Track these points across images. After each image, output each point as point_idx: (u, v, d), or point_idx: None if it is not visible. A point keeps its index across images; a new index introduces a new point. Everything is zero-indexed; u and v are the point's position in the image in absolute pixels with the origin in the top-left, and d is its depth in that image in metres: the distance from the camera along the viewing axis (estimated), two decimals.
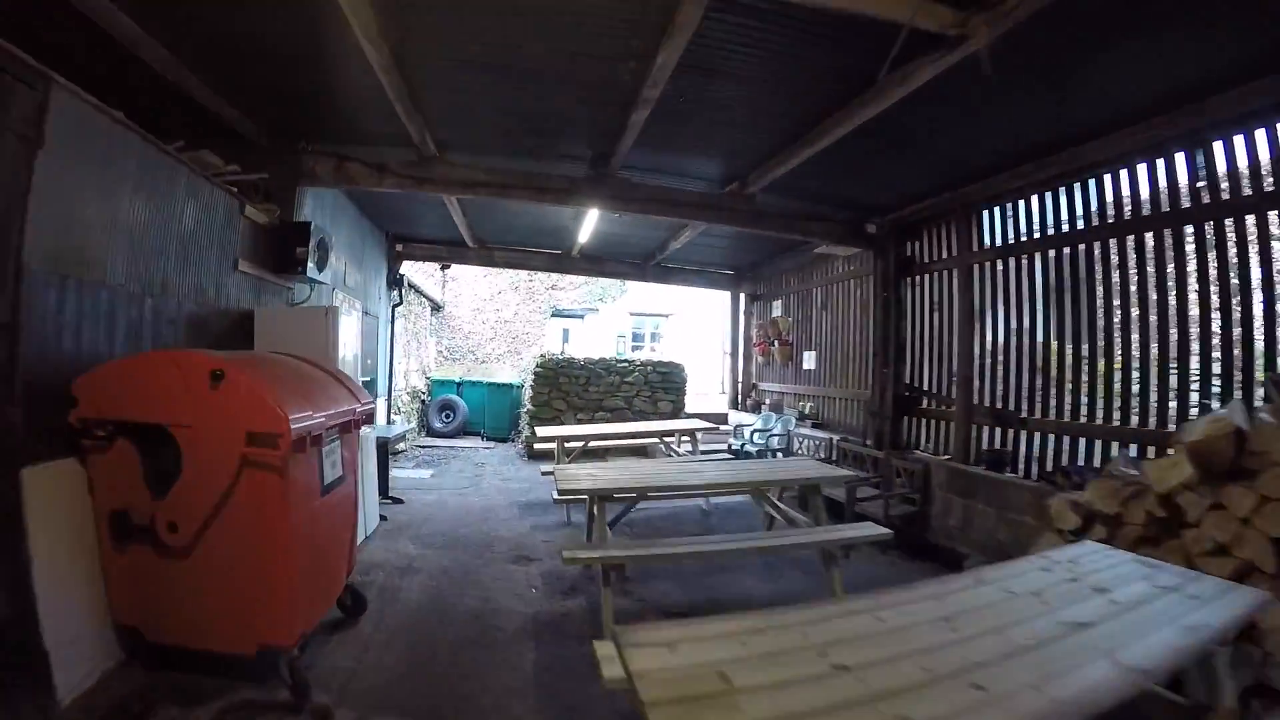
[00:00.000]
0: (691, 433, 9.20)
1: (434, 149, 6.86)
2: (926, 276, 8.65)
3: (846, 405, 10.44)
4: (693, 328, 25.22)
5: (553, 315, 22.97)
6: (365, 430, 6.93)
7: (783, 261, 12.34)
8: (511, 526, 7.65)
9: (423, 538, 7.06)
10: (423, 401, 16.25)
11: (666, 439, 9.37)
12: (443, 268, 13.13)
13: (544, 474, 7.75)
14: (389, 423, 12.04)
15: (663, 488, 5.05)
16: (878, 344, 8.90)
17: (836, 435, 9.50)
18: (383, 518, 7.62)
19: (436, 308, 20.49)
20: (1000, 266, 7.54)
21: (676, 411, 13.53)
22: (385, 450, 8.06)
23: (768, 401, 12.41)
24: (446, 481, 10.31)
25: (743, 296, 14.33)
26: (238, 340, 5.77)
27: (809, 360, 11.71)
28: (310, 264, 6.39)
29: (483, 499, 9.05)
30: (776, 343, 12.59)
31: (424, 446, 13.98)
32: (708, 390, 20.41)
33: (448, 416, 15.81)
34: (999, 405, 7.54)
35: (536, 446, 9.23)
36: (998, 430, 7.56)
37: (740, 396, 14.16)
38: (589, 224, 9.44)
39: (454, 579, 5.82)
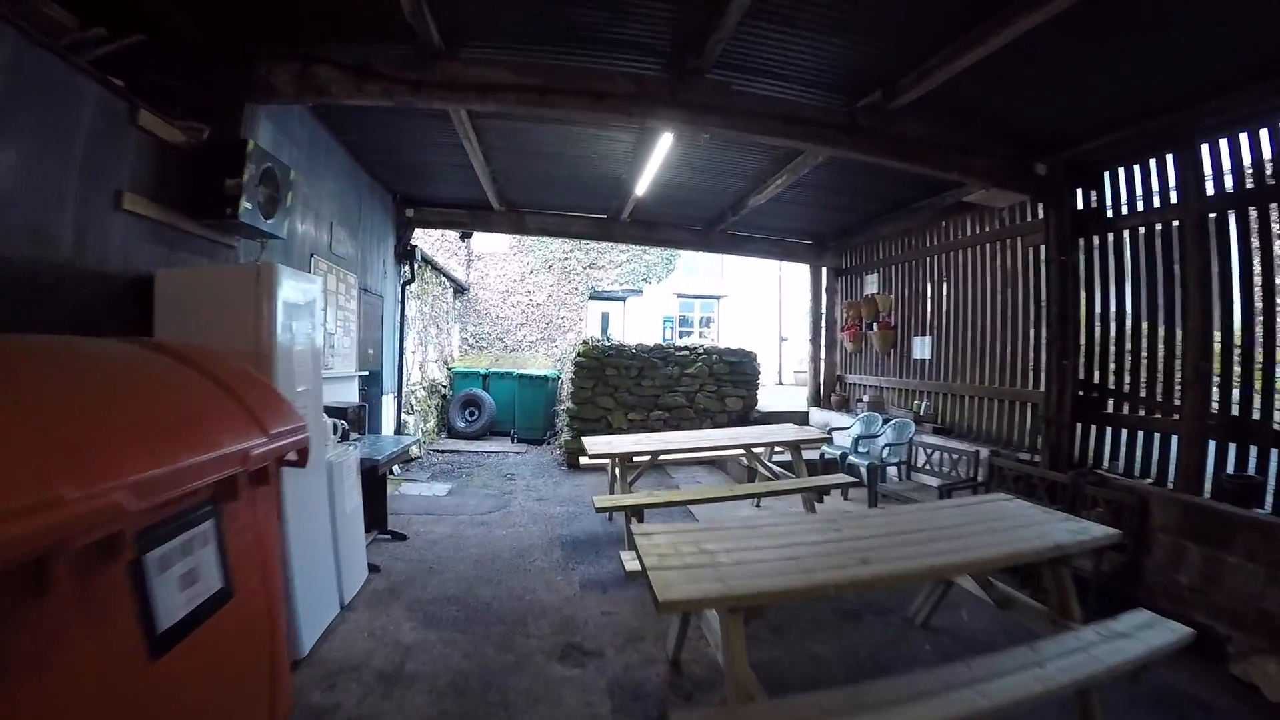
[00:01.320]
0: (795, 446, 6.95)
1: (438, 38, 4.70)
2: (1113, 235, 6.40)
3: (983, 406, 8.15)
4: (747, 311, 23.09)
5: (591, 298, 20.83)
6: (343, 451, 4.89)
7: (881, 225, 10.04)
8: (553, 583, 5.50)
9: (426, 606, 4.94)
10: (443, 396, 14.20)
11: (756, 451, 7.13)
12: (463, 237, 11.01)
13: (599, 510, 5.56)
14: (398, 427, 10.00)
15: (864, 582, 2.75)
16: (1053, 326, 6.62)
17: (982, 447, 7.25)
18: (373, 568, 5.54)
19: (460, 290, 18.45)
20: (1244, 217, 5.33)
21: (748, 410, 11.31)
22: (377, 477, 5.95)
23: (865, 399, 10.15)
24: (466, 502, 8.22)
25: (825, 271, 12.02)
26: (124, 321, 3.68)
27: (921, 347, 9.44)
28: (247, 204, 4.26)
29: (512, 531, 6.94)
30: (875, 325, 10.31)
31: (443, 451, 11.90)
32: (763, 382, 18.22)
33: (472, 414, 13.74)
34: (1239, 413, 5.36)
35: (582, 460, 7.04)
36: (1233, 448, 5.39)
37: (822, 391, 11.90)
38: (652, 166, 7.24)
39: (469, 700, 3.69)
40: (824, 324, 12.06)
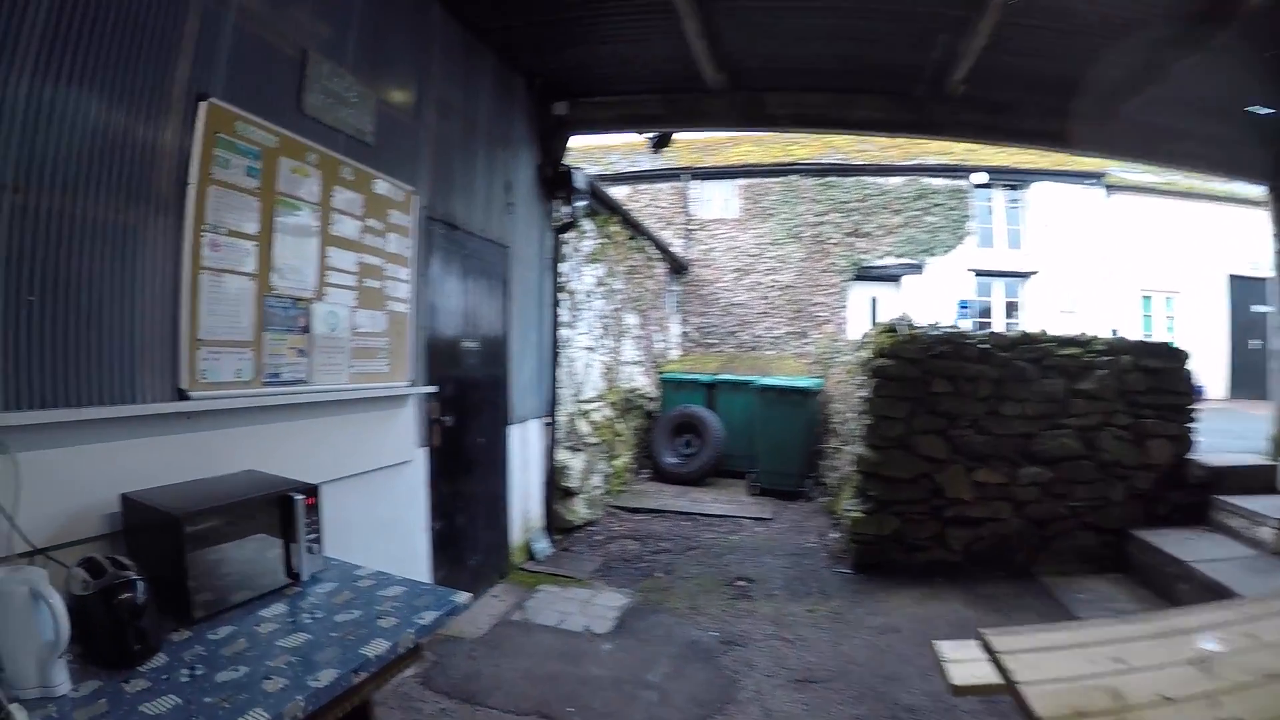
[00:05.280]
0: None
1: None
2: None
3: None
4: (1061, 294, 17.44)
5: (856, 278, 15.96)
6: None
7: None
8: None
9: None
10: (647, 415, 10.15)
11: None
12: (656, 144, 6.70)
13: None
14: (550, 476, 6.23)
15: None
16: None
17: None
18: None
19: (679, 268, 14.43)
20: None
21: (1180, 460, 6.16)
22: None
23: None
24: (641, 672, 4.00)
25: None
26: None
27: None
28: None
29: None
30: None
31: (635, 511, 7.81)
32: None
33: (688, 445, 9.52)
34: None
35: (956, 669, 2.53)
36: None
37: None
38: None
39: None
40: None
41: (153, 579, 2.00)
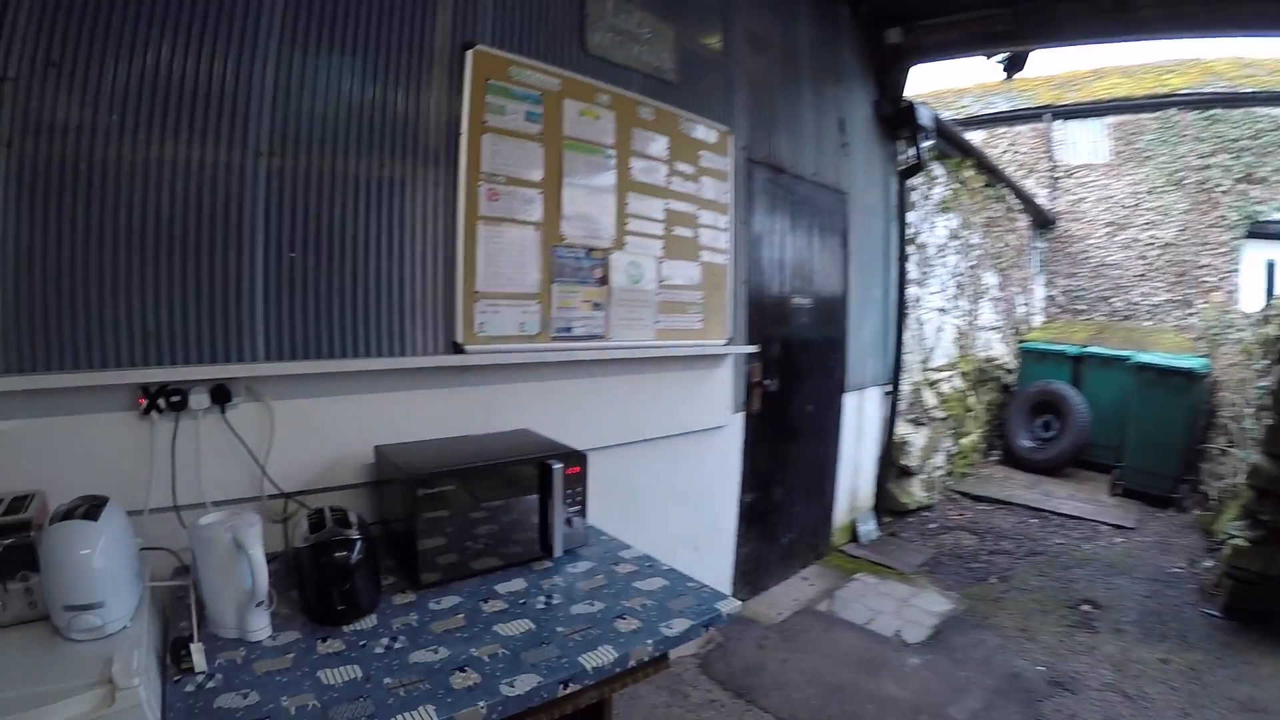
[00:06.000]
0: None
1: None
2: None
3: None
4: None
5: (1248, 235, 12.80)
6: None
7: None
8: None
9: None
10: (1004, 390, 9.04)
11: None
12: (1008, 68, 5.64)
13: None
14: (887, 452, 5.70)
15: None
16: None
17: None
18: None
19: (1044, 222, 12.77)
20: None
21: None
22: None
23: None
24: (951, 710, 3.33)
25: None
26: None
27: None
28: None
29: None
30: None
31: (978, 499, 6.88)
32: None
33: (1046, 427, 8.23)
34: None
35: None
36: None
37: None
38: None
39: None
40: None
41: (393, 536, 2.08)
